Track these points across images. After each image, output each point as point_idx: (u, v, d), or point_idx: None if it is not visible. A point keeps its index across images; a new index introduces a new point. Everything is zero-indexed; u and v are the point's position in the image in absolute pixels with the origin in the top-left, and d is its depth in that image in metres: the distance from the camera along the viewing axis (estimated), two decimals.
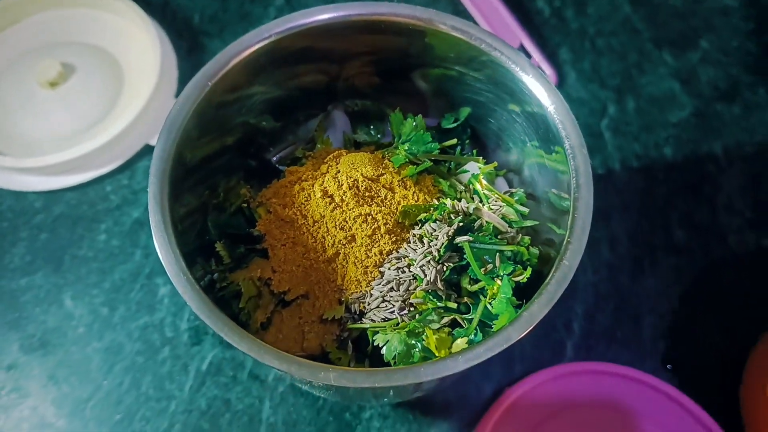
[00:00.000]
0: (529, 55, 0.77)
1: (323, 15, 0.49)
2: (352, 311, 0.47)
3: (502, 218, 0.48)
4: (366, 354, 0.46)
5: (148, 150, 0.72)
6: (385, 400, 0.59)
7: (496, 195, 0.50)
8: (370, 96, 0.59)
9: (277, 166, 0.57)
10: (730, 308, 0.67)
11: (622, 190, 0.73)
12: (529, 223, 0.49)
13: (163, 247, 0.40)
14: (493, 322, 0.43)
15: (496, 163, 0.53)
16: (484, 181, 0.50)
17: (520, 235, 0.48)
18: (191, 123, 0.46)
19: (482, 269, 0.44)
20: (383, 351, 0.44)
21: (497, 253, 0.45)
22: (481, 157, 0.54)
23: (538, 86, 0.46)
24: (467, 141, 0.56)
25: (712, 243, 0.70)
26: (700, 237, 0.70)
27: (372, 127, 0.58)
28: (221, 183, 0.54)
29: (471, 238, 0.45)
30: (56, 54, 0.75)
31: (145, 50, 0.75)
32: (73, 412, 0.61)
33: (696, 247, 0.70)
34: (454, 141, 0.55)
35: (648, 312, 0.67)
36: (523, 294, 0.45)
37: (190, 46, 0.79)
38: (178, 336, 0.64)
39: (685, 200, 0.72)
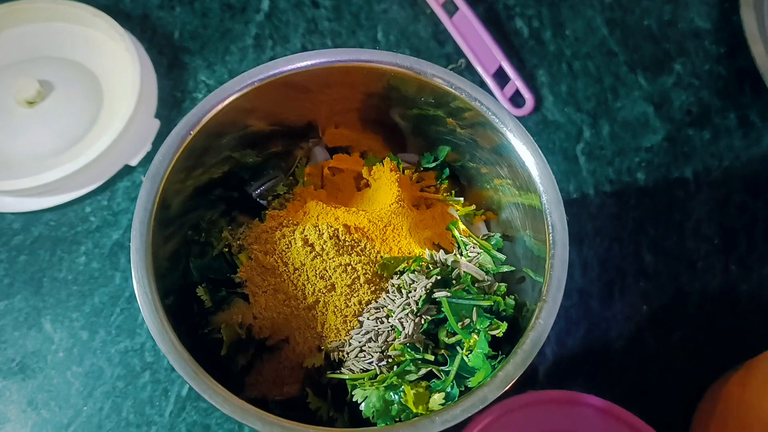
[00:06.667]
0: (508, 78, 0.78)
1: (305, 62, 0.49)
2: (332, 359, 0.48)
3: (479, 267, 0.49)
4: (345, 402, 0.48)
5: (127, 170, 0.72)
6: None
7: (474, 241, 0.51)
8: (350, 130, 0.60)
9: (258, 200, 0.58)
10: (697, 334, 0.69)
11: (595, 216, 0.75)
12: (505, 268, 0.50)
13: (150, 314, 0.41)
14: (472, 374, 0.45)
15: (474, 206, 0.54)
16: (462, 226, 0.52)
17: (497, 283, 0.50)
18: (174, 171, 0.47)
19: (459, 324, 0.46)
20: (362, 407, 0.45)
21: (474, 308, 0.46)
22: (462, 198, 0.56)
23: (517, 141, 0.47)
24: (446, 180, 0.57)
25: (681, 269, 0.72)
26: (669, 263, 0.72)
27: None
28: (204, 217, 0.55)
29: (449, 294, 0.46)
30: (34, 70, 0.74)
31: (124, 67, 0.74)
32: None
33: (665, 272, 0.72)
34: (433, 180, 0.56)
35: (617, 337, 0.69)
36: (500, 344, 0.47)
37: (170, 62, 0.79)
38: (158, 361, 0.65)
39: (655, 226, 0.74)
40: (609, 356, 0.68)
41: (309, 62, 0.49)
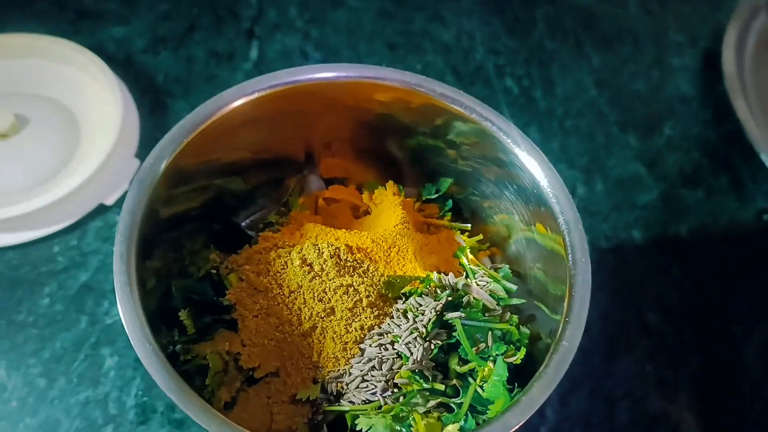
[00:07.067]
0: None
1: (310, 75, 0.47)
2: (329, 392, 0.43)
3: (490, 295, 0.45)
4: None
5: (101, 210, 0.68)
6: None
7: (483, 270, 0.47)
8: (345, 161, 0.57)
9: (246, 231, 0.54)
10: (705, 395, 0.65)
11: (593, 271, 0.72)
12: (516, 301, 0.47)
13: (127, 310, 0.36)
14: (487, 407, 0.40)
15: (481, 236, 0.51)
16: (470, 255, 0.48)
17: (508, 313, 0.46)
18: (164, 178, 0.43)
19: (474, 348, 0.41)
20: None
21: (489, 332, 0.42)
22: (469, 225, 0.52)
23: (530, 159, 0.45)
24: (448, 213, 0.54)
25: (684, 326, 0.69)
26: (672, 320, 0.69)
27: None
28: (186, 245, 0.50)
29: (463, 314, 0.42)
30: (9, 105, 0.70)
31: (105, 106, 0.71)
32: None
33: (668, 330, 0.69)
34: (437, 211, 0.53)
35: (623, 396, 0.65)
36: (512, 379, 0.42)
37: (152, 105, 0.76)
38: (123, 413, 0.59)
39: (655, 282, 0.71)
40: (614, 416, 0.63)
41: (314, 75, 0.47)
